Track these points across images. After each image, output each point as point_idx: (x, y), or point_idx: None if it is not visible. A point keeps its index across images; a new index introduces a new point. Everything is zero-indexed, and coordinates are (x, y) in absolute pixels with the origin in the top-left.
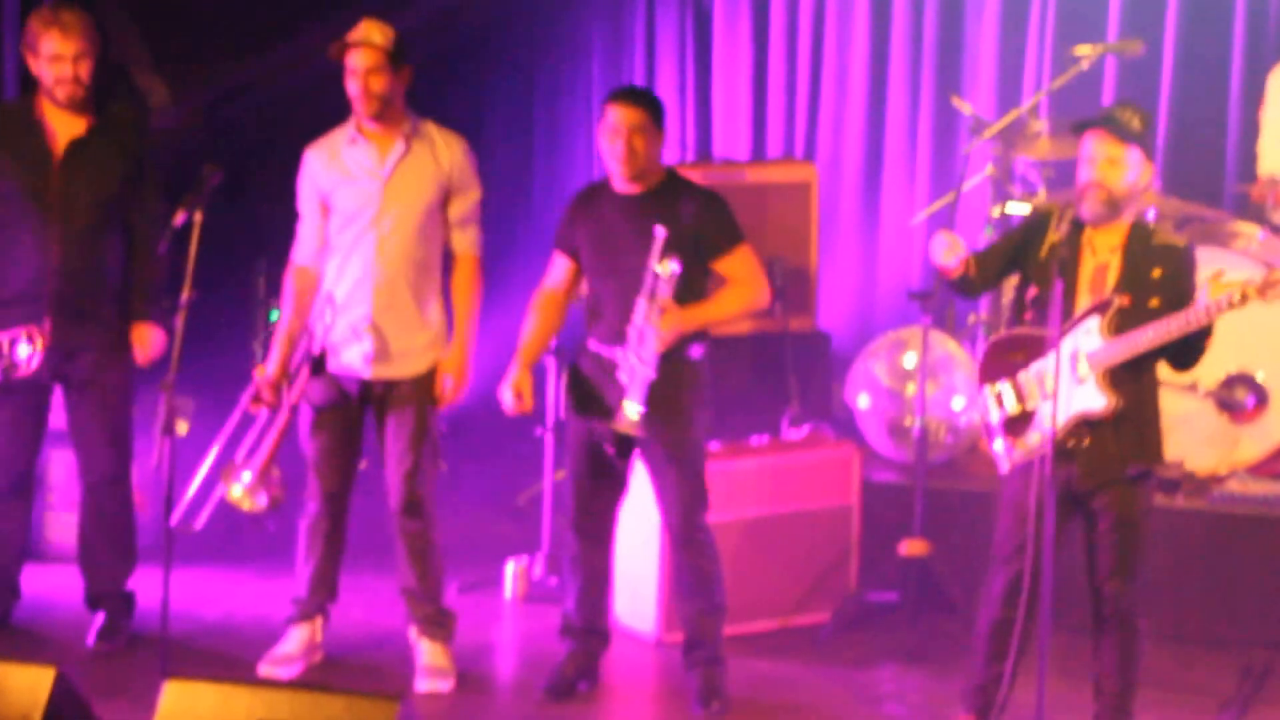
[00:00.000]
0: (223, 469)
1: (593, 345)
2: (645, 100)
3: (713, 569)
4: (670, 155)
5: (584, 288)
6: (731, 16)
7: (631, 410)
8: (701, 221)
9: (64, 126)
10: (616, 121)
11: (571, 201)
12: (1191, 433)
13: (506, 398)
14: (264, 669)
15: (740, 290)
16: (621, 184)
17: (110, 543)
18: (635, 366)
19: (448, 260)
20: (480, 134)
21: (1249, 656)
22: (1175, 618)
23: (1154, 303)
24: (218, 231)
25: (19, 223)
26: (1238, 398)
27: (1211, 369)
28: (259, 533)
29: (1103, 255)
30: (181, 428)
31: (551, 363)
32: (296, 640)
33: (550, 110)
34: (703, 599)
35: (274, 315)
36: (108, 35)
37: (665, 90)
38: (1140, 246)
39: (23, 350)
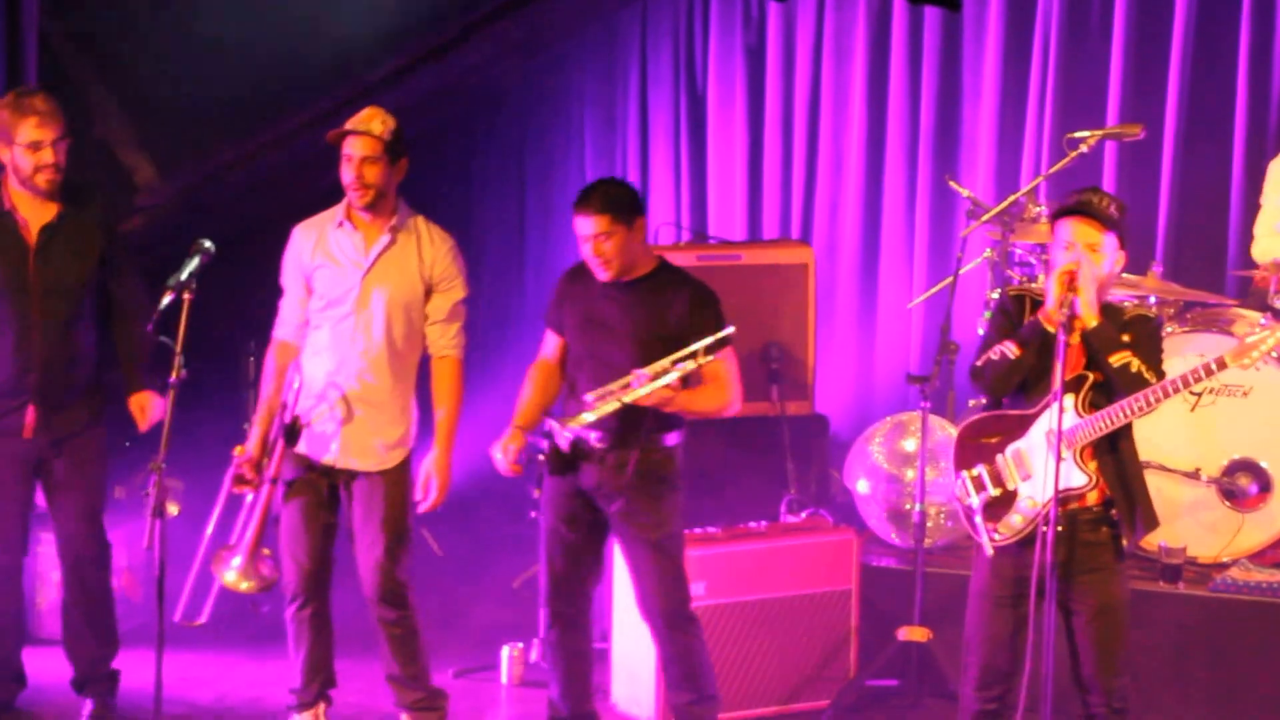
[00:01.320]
0: (214, 556)
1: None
2: (607, 204)
3: (699, 658)
4: (665, 235)
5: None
6: (726, 97)
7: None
8: (691, 318)
9: (34, 214)
10: (581, 230)
11: (561, 279)
12: (1194, 519)
13: (497, 456)
14: None
15: (718, 392)
16: (606, 277)
17: (92, 624)
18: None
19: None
20: (471, 214)
21: None
22: (1177, 707)
23: (1122, 356)
24: (206, 312)
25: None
26: (1241, 485)
27: (1214, 456)
28: (254, 615)
29: (1076, 336)
30: (172, 509)
31: (547, 445)
32: None
33: (542, 192)
34: (691, 690)
35: None
36: (91, 113)
37: (660, 170)
38: (1110, 320)
39: None
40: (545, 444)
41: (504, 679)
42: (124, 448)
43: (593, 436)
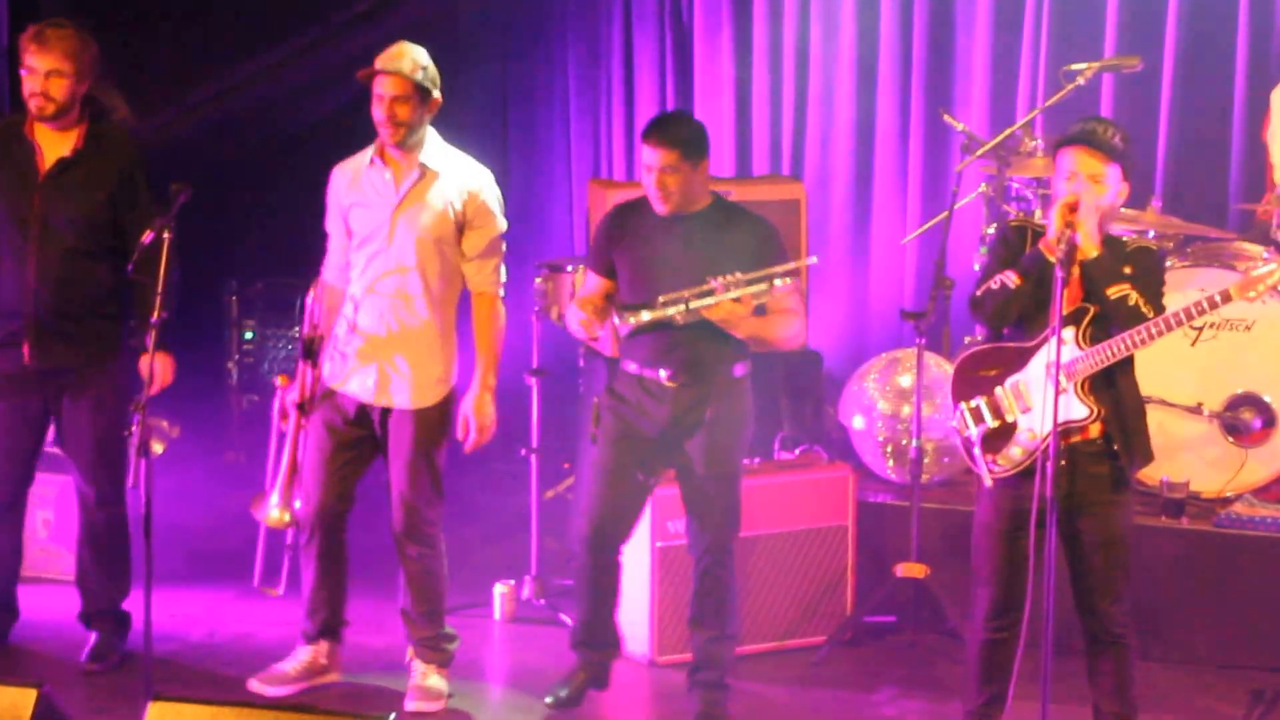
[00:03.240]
0: (253, 500)
1: (632, 368)
2: (676, 139)
3: (731, 596)
4: None
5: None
6: (713, 30)
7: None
8: (757, 251)
9: (52, 146)
10: (648, 160)
11: (606, 219)
12: (1197, 455)
13: (577, 321)
14: (252, 684)
15: (786, 321)
16: (665, 209)
17: (105, 563)
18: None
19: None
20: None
21: (1258, 680)
22: (1183, 641)
23: (1120, 288)
24: (187, 250)
25: (3, 241)
26: (1244, 420)
27: (1217, 391)
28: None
29: (1076, 269)
30: (157, 448)
31: (535, 383)
32: (295, 661)
33: (526, 128)
34: (717, 626)
35: (248, 334)
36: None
37: (645, 105)
38: (1111, 252)
39: None
40: (604, 389)
41: (496, 615)
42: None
43: (663, 374)
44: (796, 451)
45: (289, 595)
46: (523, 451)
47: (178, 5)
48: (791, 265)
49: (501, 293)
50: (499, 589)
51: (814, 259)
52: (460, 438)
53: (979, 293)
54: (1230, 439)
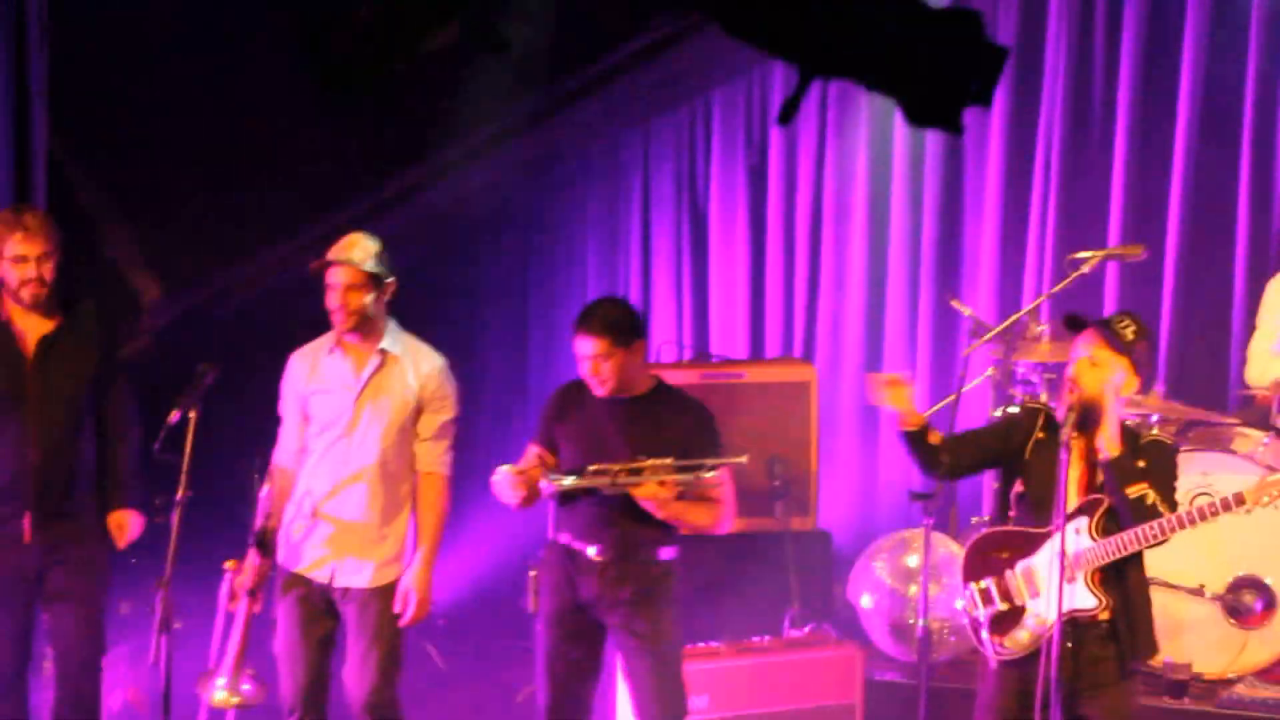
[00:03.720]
0: (200, 679)
1: (565, 539)
2: (604, 326)
3: None
4: (667, 353)
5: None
6: (728, 216)
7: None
8: (690, 438)
9: (32, 327)
10: (580, 350)
11: (554, 397)
12: (1199, 636)
13: (502, 485)
14: None
15: (712, 509)
16: (603, 393)
17: None
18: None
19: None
20: (475, 332)
21: None
22: None
23: (1139, 488)
24: (211, 430)
25: None
26: (1246, 602)
27: (1219, 573)
28: None
29: (1091, 459)
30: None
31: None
32: None
33: (545, 310)
34: None
35: None
36: (101, 232)
37: (662, 288)
38: (1128, 446)
39: None
40: (540, 561)
41: None
42: (129, 563)
43: (591, 550)
44: (805, 629)
45: None
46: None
47: (204, 193)
48: (721, 460)
49: (448, 473)
50: None
51: (744, 458)
52: (398, 611)
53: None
54: (1232, 621)
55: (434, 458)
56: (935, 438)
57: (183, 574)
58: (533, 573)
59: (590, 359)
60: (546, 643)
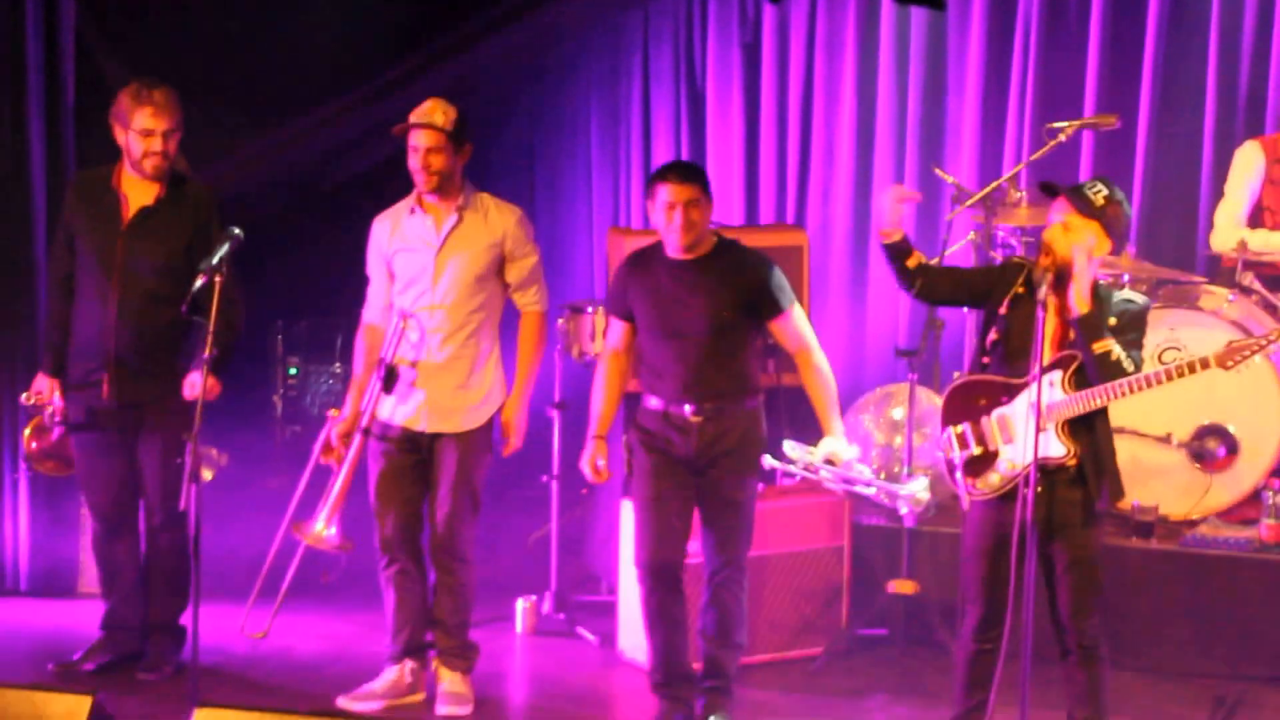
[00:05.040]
0: (294, 523)
1: (655, 404)
2: (696, 175)
3: (740, 611)
4: None
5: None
6: (724, 92)
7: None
8: (757, 286)
9: (136, 195)
10: (671, 197)
11: (622, 268)
12: (1166, 481)
13: (587, 470)
14: (341, 701)
15: (822, 369)
16: (676, 251)
17: (165, 581)
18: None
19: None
20: None
21: (1221, 688)
22: (1152, 653)
23: (1105, 344)
24: (237, 292)
25: (90, 283)
26: (1210, 448)
27: (1185, 422)
28: (321, 583)
29: (1065, 316)
30: (207, 474)
31: (557, 415)
32: (382, 680)
33: (551, 181)
34: (723, 638)
35: (292, 370)
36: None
37: (660, 159)
38: (1099, 306)
39: (59, 399)
40: (634, 425)
41: (518, 629)
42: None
43: (686, 409)
44: (797, 478)
45: (306, 618)
46: (544, 478)
47: (229, 71)
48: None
49: (543, 309)
50: (521, 604)
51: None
52: (501, 438)
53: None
54: (1197, 466)
55: (529, 299)
56: (914, 261)
57: (211, 427)
58: (625, 437)
59: (683, 205)
60: (649, 501)
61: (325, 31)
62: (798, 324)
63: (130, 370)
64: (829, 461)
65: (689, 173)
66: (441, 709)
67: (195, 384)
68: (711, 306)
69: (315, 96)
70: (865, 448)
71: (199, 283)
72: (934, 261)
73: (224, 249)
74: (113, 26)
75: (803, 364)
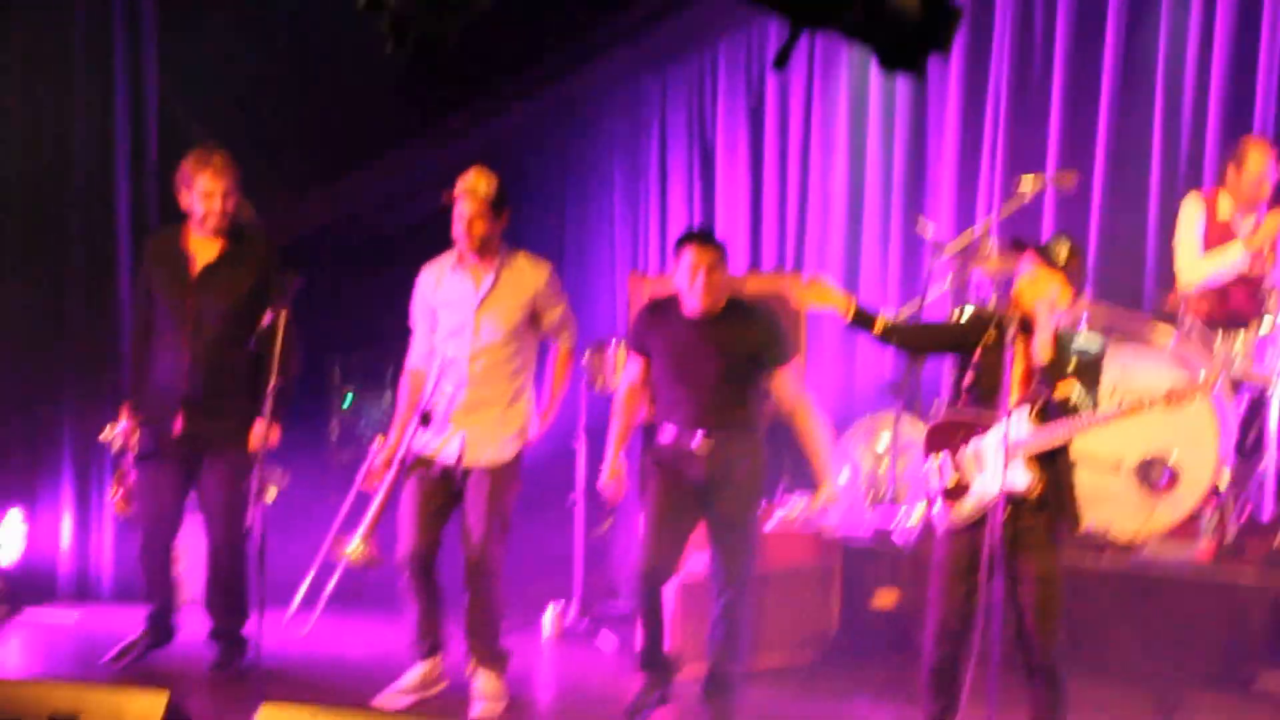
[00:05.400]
0: (335, 539)
1: (668, 437)
2: (716, 241)
3: (745, 624)
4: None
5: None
6: (731, 149)
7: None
8: (764, 341)
9: (201, 251)
10: (695, 260)
11: (643, 313)
12: (1116, 506)
13: (609, 487)
14: (378, 700)
15: (815, 421)
16: (694, 313)
17: (228, 594)
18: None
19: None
20: (520, 244)
21: (1162, 690)
22: (1101, 658)
23: (1065, 388)
24: (298, 329)
25: (165, 332)
26: (1154, 476)
27: (1132, 452)
28: (360, 581)
29: (1031, 360)
30: (270, 494)
31: (581, 441)
32: (410, 676)
33: (579, 227)
34: (728, 648)
35: (348, 399)
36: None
37: (675, 211)
38: (1060, 351)
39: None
40: (647, 450)
41: (546, 633)
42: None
43: (695, 438)
44: (795, 499)
45: (349, 623)
46: (571, 498)
47: (294, 129)
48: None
49: (572, 346)
50: (549, 611)
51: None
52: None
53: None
54: (1144, 492)
55: (563, 338)
56: (879, 327)
57: (274, 450)
58: (642, 461)
59: (706, 268)
60: (656, 520)
61: (379, 95)
62: (795, 376)
63: (201, 409)
64: (821, 507)
65: (710, 239)
66: (478, 706)
67: (258, 435)
68: (722, 357)
69: (374, 151)
70: (853, 470)
71: (265, 320)
72: (915, 303)
73: (287, 289)
74: (193, 90)
75: (801, 413)
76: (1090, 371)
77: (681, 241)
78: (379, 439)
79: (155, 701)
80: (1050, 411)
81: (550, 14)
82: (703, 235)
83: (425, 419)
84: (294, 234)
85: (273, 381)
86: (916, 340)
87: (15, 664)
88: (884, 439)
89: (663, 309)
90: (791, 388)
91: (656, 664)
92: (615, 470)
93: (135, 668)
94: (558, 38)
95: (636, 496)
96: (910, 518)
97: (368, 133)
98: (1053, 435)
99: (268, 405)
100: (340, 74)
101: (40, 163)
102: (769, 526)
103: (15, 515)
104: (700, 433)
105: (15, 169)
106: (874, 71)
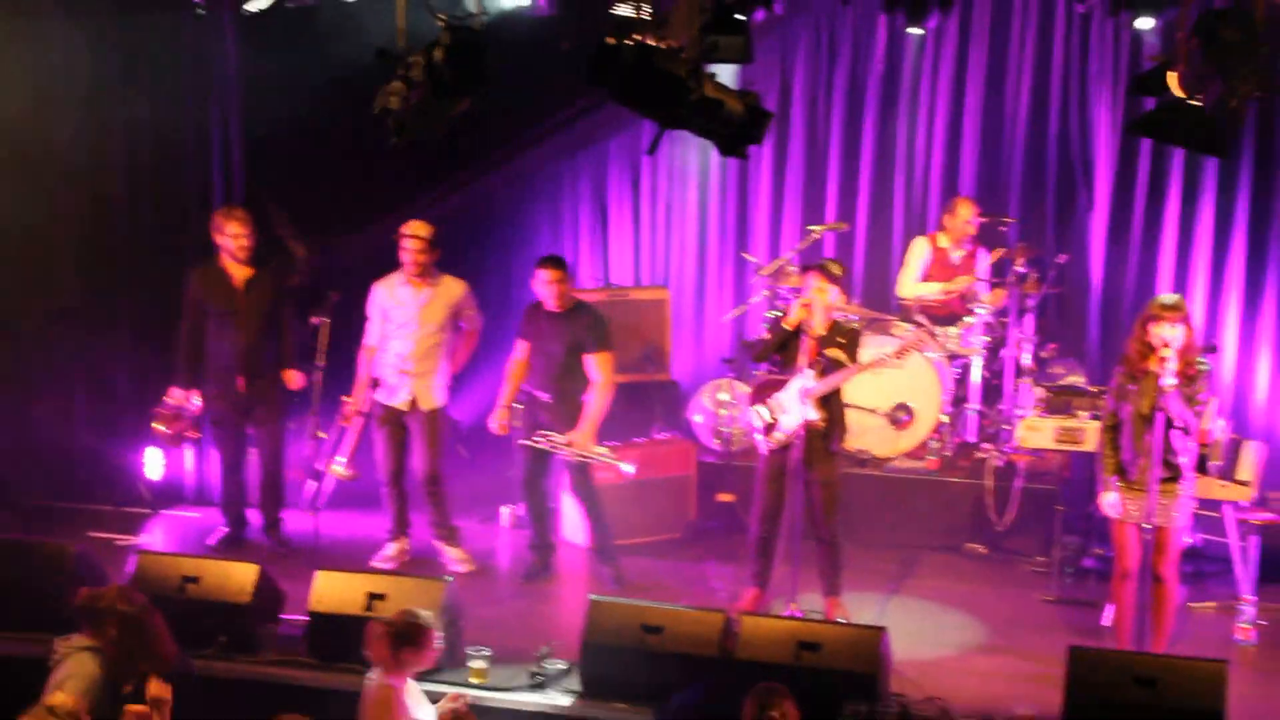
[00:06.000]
0: (328, 461)
1: (527, 387)
2: (560, 264)
3: (602, 518)
4: (588, 280)
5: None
6: (620, 209)
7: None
8: (588, 331)
9: (239, 272)
10: (546, 279)
11: (527, 311)
12: (874, 435)
13: (495, 426)
14: (373, 563)
15: (600, 393)
16: (551, 309)
17: (274, 497)
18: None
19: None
20: (478, 270)
21: (905, 555)
22: (863, 535)
23: (834, 352)
24: (335, 332)
25: (220, 329)
26: (899, 416)
27: (885, 400)
28: (350, 484)
29: (813, 337)
30: (320, 435)
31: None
32: (391, 550)
33: (511, 265)
34: (601, 536)
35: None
36: (272, 220)
37: (584, 248)
38: (834, 331)
39: (196, 400)
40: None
41: (503, 523)
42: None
43: (546, 395)
44: (666, 435)
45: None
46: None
47: (334, 173)
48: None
49: (477, 328)
50: (505, 510)
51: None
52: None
53: (753, 342)
54: (892, 427)
55: (474, 327)
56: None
57: (321, 409)
58: (522, 410)
59: (553, 284)
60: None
61: (393, 166)
62: (601, 366)
63: (251, 374)
64: (568, 444)
65: (557, 263)
66: (453, 568)
67: (293, 378)
68: (563, 342)
69: (387, 208)
70: (704, 416)
71: (314, 323)
72: (741, 308)
73: (328, 304)
74: (271, 172)
75: (595, 387)
76: (851, 343)
77: (539, 264)
78: (345, 397)
79: (250, 569)
80: (827, 369)
81: (502, 119)
82: (551, 260)
83: (374, 383)
84: (333, 261)
85: (321, 364)
86: (765, 352)
87: (159, 544)
88: (723, 395)
89: (535, 309)
90: (596, 369)
91: (542, 545)
92: (502, 415)
93: (225, 549)
94: (507, 134)
95: (521, 434)
96: (608, 457)
97: (381, 195)
98: (829, 384)
99: (319, 379)
100: (363, 154)
101: (141, 158)
102: (651, 448)
103: (155, 451)
104: (548, 393)
105: (124, 164)
106: (714, 154)
